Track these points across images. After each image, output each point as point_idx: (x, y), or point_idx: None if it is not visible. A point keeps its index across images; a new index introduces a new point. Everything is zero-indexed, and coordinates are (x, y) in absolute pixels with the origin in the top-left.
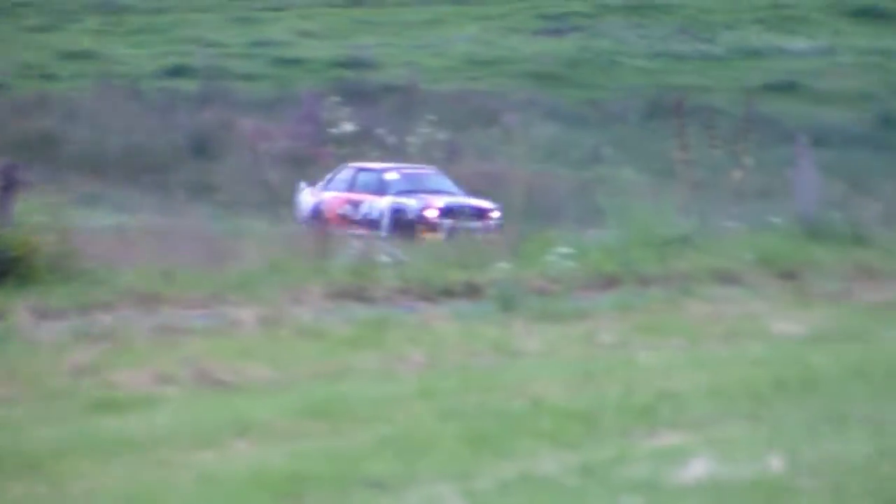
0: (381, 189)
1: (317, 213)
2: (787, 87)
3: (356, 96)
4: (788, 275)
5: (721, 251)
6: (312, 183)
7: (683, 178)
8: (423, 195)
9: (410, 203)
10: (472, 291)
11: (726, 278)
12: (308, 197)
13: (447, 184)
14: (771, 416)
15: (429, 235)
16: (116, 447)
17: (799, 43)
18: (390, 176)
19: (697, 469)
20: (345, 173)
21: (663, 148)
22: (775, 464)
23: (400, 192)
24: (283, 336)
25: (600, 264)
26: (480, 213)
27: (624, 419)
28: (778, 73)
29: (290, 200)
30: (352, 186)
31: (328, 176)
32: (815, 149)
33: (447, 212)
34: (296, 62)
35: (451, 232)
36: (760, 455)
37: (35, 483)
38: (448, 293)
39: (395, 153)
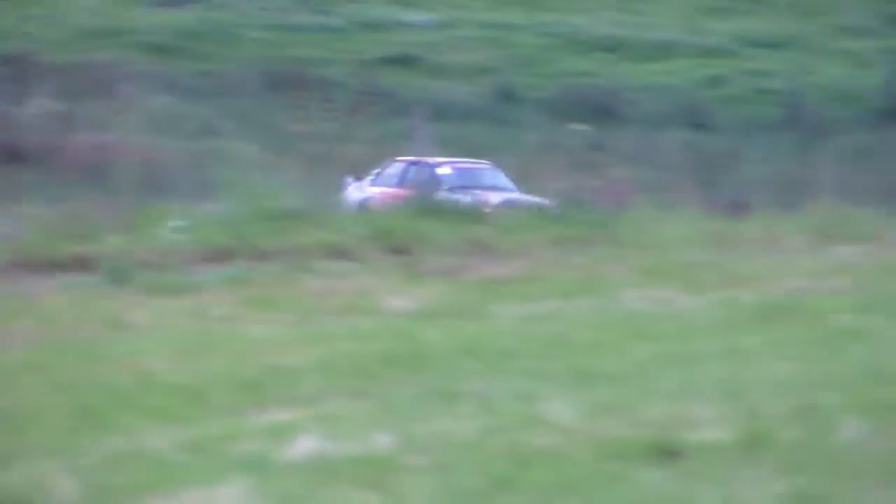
0: (433, 185)
1: (364, 211)
2: (405, 60)
3: None
4: (402, 250)
5: (336, 226)
6: (359, 178)
7: (300, 152)
8: (477, 191)
9: (465, 200)
10: (82, 264)
11: (340, 253)
12: (355, 193)
13: (502, 179)
14: (380, 393)
15: None
16: None
17: (418, 16)
18: (443, 171)
19: (306, 446)
20: (394, 167)
21: (280, 121)
22: (383, 440)
23: (453, 188)
24: None
25: (214, 238)
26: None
27: (233, 395)
28: (397, 46)
29: None
30: (402, 182)
31: (376, 170)
32: (434, 122)
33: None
34: None
35: None
36: (368, 432)
37: None
38: (58, 266)
39: (6, 123)
